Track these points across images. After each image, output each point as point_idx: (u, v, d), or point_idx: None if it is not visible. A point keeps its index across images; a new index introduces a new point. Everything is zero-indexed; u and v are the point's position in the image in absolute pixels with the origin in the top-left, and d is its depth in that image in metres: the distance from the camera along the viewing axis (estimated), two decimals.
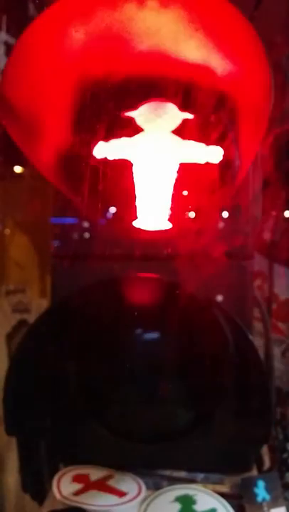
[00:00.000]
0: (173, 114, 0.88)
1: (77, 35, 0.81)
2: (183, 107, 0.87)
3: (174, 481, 0.93)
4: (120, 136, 0.89)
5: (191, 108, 0.87)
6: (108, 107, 0.87)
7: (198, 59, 0.83)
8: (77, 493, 0.88)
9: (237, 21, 0.75)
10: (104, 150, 0.89)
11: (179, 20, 0.79)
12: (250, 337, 0.86)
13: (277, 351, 1.12)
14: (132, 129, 0.89)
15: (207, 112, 0.86)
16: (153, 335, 0.94)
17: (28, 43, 0.80)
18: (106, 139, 0.89)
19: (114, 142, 0.89)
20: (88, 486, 0.90)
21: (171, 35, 0.81)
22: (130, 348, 0.91)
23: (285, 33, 0.96)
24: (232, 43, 0.80)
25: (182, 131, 0.88)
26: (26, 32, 0.80)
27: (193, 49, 0.82)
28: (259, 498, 0.88)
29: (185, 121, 0.89)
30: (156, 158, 0.89)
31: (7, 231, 1.24)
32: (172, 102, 0.88)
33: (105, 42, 0.82)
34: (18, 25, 0.97)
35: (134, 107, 0.88)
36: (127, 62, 0.86)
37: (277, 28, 0.94)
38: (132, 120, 0.89)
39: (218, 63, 0.83)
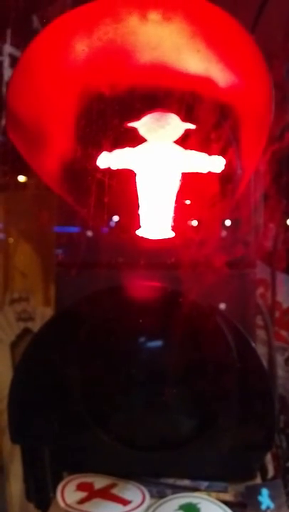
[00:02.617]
0: (175, 125, 0.90)
1: (81, 48, 0.83)
2: (185, 118, 0.88)
3: (178, 489, 0.93)
4: (123, 147, 0.90)
5: (193, 119, 0.88)
6: (111, 118, 0.88)
7: (200, 71, 0.84)
8: (81, 502, 0.88)
9: (238, 34, 0.76)
10: (108, 160, 0.90)
11: (181, 33, 0.80)
12: (253, 344, 0.87)
13: (280, 359, 1.12)
14: (135, 139, 0.90)
15: (209, 122, 0.87)
16: (157, 343, 0.95)
17: (33, 56, 0.82)
18: (109, 149, 0.90)
19: (117, 152, 0.90)
20: (92, 494, 0.90)
21: (173, 47, 0.83)
22: (134, 355, 0.92)
23: (285, 48, 0.97)
24: (233, 55, 0.81)
25: (185, 141, 0.89)
26: (31, 45, 0.81)
27: (195, 61, 0.84)
28: (263, 507, 0.88)
29: (187, 131, 0.90)
30: (159, 167, 0.90)
31: (11, 240, 1.25)
32: (175, 113, 0.89)
33: (108, 55, 0.84)
34: (22, 38, 0.99)
35: (137, 118, 0.90)
36: (129, 75, 0.87)
37: (277, 41, 0.96)
38: (135, 130, 0.90)
39: (219, 75, 0.84)
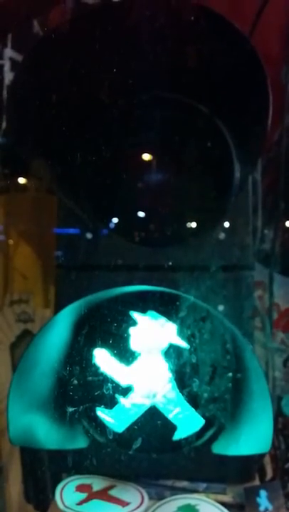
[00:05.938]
0: None
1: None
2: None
3: (177, 490, 0.94)
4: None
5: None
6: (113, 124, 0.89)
7: None
8: (80, 503, 0.88)
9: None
10: None
11: None
12: (250, 346, 0.87)
13: (278, 361, 1.12)
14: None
15: None
16: None
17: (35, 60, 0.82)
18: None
19: None
20: (91, 495, 0.91)
21: None
22: None
23: (284, 50, 0.98)
24: None
25: None
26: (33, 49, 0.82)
27: None
28: (261, 508, 0.88)
29: None
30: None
31: (11, 242, 1.26)
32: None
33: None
34: (23, 42, 1.00)
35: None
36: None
37: (275, 44, 0.96)
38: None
39: None
